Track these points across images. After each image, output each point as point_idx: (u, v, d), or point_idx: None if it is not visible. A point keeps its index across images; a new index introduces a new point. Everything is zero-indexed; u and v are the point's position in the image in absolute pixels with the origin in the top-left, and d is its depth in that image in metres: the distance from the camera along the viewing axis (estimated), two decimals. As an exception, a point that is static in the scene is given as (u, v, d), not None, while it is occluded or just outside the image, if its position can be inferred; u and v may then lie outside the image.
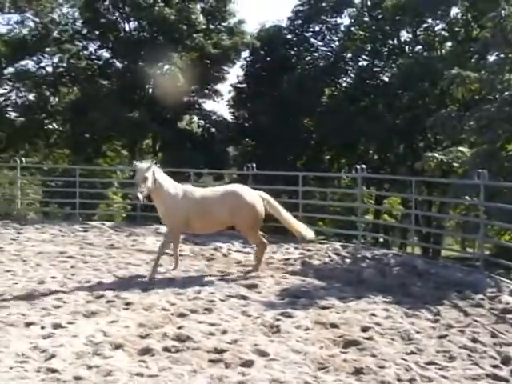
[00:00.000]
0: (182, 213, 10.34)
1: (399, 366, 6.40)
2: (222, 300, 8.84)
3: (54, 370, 5.95)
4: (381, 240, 24.84)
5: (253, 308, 8.45)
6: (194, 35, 26.49)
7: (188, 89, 26.48)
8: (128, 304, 8.52)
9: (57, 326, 7.41)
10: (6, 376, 5.81)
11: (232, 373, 6.11)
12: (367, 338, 7.20)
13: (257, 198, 10.82)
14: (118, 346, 6.68)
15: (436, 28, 28.08)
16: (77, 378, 5.78)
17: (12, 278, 10.19)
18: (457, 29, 27.16)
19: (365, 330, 7.56)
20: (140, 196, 9.88)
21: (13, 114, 28.86)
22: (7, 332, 7.15)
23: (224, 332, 7.34)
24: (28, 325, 7.45)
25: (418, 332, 7.53)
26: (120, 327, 7.41)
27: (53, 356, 6.34)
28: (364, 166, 14.58)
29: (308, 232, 11.31)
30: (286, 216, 11.20)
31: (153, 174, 10.09)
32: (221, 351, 6.63)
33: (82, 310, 8.13)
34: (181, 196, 10.41)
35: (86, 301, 8.70)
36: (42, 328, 7.34)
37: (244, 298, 9.00)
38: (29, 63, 28.15)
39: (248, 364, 6.33)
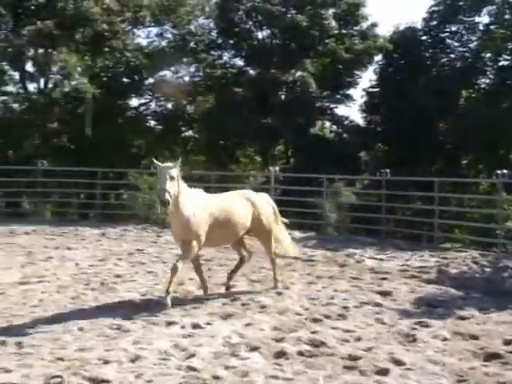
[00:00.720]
0: (205, 223, 8.88)
1: (548, 383, 6.03)
2: (356, 307, 8.77)
3: (193, 369, 6.17)
4: (523, 249, 23.48)
5: (387, 316, 8.31)
6: (326, 41, 26.50)
7: (320, 94, 26.53)
8: (263, 307, 8.68)
9: (196, 326, 7.69)
10: (150, 372, 6.10)
11: (367, 380, 6.03)
12: (511, 352, 6.84)
13: (267, 203, 9.98)
14: (253, 348, 6.81)
15: None
16: (215, 378, 5.95)
17: (153, 278, 10.71)
18: None
19: (508, 343, 7.18)
20: (170, 199, 8.18)
21: (152, 122, 30.33)
22: (150, 330, 7.52)
23: (358, 339, 7.27)
24: (169, 324, 7.79)
25: None
26: (255, 330, 7.56)
27: (192, 355, 6.58)
28: (505, 170, 13.92)
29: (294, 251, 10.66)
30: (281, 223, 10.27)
31: (177, 175, 8.48)
32: (355, 358, 6.57)
33: (219, 312, 8.38)
34: (202, 203, 8.94)
35: (222, 303, 8.96)
36: (182, 327, 7.65)
37: (378, 305, 8.88)
38: (167, 73, 29.48)
39: (383, 372, 6.22)
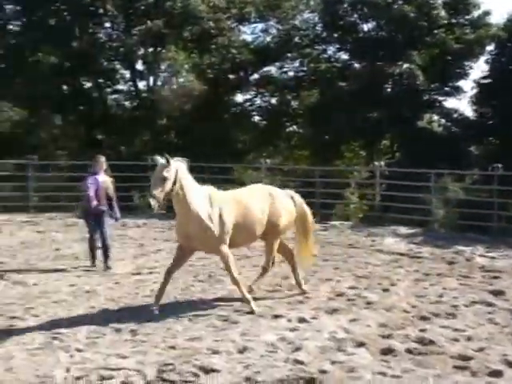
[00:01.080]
0: (226, 223, 8.06)
1: None
2: (466, 305, 8.51)
3: (300, 362, 6.22)
4: None
5: (500, 316, 8.00)
6: (435, 31, 25.71)
7: (428, 87, 25.82)
8: (368, 303, 8.61)
9: (301, 320, 7.74)
10: (258, 363, 6.21)
11: (479, 382, 5.85)
12: None
13: (289, 200, 9.01)
14: (360, 344, 6.77)
15: None
16: (322, 372, 5.96)
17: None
18: None
19: None
20: (153, 204, 7.49)
21: (256, 118, 30.68)
22: (257, 322, 7.65)
23: (469, 339, 7.05)
24: (275, 317, 7.88)
25: None
26: (361, 325, 7.51)
27: (299, 348, 6.63)
28: None
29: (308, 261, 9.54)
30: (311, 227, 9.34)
31: (175, 174, 7.71)
32: (466, 358, 6.38)
33: (324, 307, 8.38)
34: (214, 199, 8.10)
35: (327, 298, 8.96)
36: (288, 321, 7.72)
37: (490, 304, 8.57)
38: (272, 69, 29.67)
39: (496, 374, 6.00)
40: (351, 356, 6.44)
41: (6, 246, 13.62)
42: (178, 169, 7.76)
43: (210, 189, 8.33)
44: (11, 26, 27.18)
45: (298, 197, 9.22)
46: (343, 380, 5.79)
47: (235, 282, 8.20)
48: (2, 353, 6.58)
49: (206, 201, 8.01)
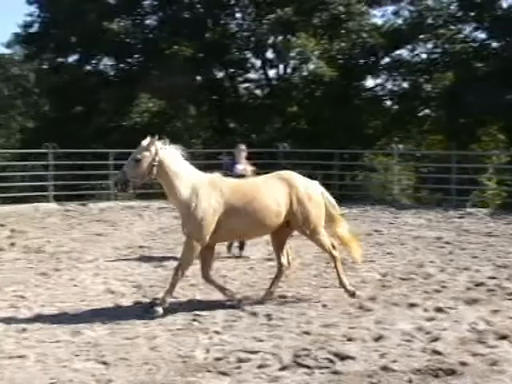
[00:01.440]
0: (213, 209, 7.51)
1: None
2: None
3: (438, 353, 6.03)
4: None
5: None
6: None
7: None
8: (510, 294, 8.26)
9: (438, 309, 7.53)
10: (394, 352, 6.10)
11: None
12: None
13: (316, 187, 8.14)
14: (502, 337, 6.47)
15: None
16: (462, 364, 5.74)
17: (392, 260, 10.69)
18: None
19: None
20: (117, 182, 7.41)
21: (388, 103, 30.01)
22: (391, 311, 7.53)
23: None
24: (411, 306, 7.72)
25: None
26: (503, 317, 7.20)
27: (437, 339, 6.44)
28: None
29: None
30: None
31: (153, 156, 7.39)
32: None
33: (463, 297, 8.12)
34: (209, 186, 7.59)
35: (465, 287, 8.67)
36: (425, 310, 7.53)
37: None
38: (403, 52, 28.86)
39: None
40: (493, 349, 6.17)
41: (146, 231, 14.35)
42: (159, 151, 7.44)
43: (209, 176, 7.81)
44: (148, 21, 28.45)
45: (321, 187, 8.26)
46: (485, 373, 5.56)
47: (174, 278, 7.65)
48: (146, 332, 6.93)
49: (201, 187, 7.53)
